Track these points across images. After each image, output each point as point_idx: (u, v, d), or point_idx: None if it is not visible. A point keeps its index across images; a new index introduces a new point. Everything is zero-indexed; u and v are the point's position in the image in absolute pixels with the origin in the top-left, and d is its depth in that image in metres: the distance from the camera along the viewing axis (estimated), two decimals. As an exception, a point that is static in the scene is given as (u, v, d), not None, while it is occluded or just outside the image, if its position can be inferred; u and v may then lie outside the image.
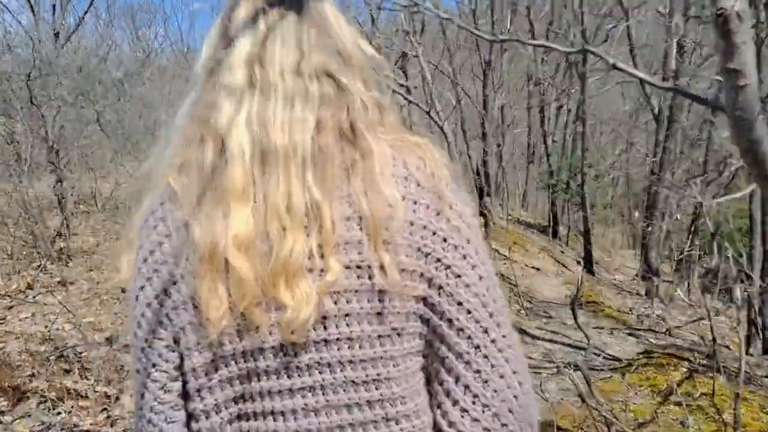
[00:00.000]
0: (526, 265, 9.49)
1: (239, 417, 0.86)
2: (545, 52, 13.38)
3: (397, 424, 0.85)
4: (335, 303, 0.82)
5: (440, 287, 0.85)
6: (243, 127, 0.83)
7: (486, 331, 0.86)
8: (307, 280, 0.80)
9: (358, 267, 0.82)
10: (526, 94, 14.76)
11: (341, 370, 0.83)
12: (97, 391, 3.36)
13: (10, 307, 4.86)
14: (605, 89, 15.44)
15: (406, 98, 7.57)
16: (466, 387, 0.86)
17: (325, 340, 0.82)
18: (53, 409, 3.23)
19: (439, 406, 0.88)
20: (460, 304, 0.85)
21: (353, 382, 0.83)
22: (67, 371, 3.68)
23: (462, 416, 0.86)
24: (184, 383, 0.86)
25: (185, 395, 0.87)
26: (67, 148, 6.06)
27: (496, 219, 10.80)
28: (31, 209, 5.56)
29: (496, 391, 0.86)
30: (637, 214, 9.48)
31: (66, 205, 5.88)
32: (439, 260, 0.85)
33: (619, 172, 14.55)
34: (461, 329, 0.85)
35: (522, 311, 6.95)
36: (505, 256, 8.10)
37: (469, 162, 11.88)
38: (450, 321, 0.85)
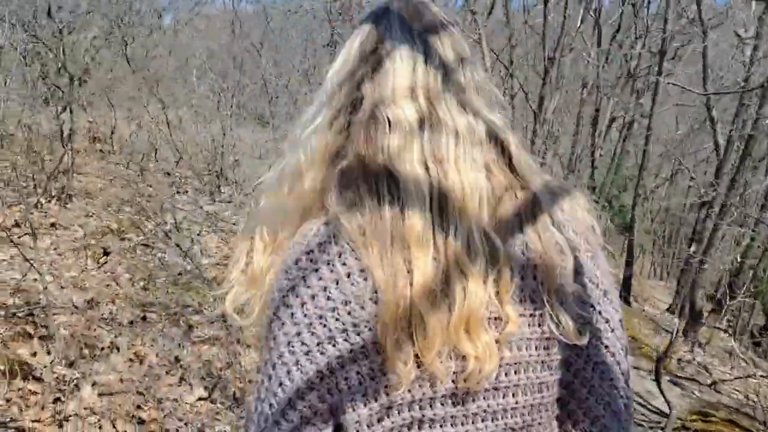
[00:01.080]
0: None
1: None
2: (607, 60, 12.48)
3: None
4: (510, 351, 0.82)
5: (596, 335, 0.86)
6: (418, 165, 0.80)
7: (624, 373, 0.89)
8: (487, 329, 0.80)
9: (531, 315, 0.82)
10: (579, 102, 13.85)
11: (502, 417, 0.84)
12: (55, 373, 2.71)
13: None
14: (662, 110, 14.55)
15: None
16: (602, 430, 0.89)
17: (495, 388, 0.82)
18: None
19: None
20: (607, 347, 0.87)
21: (512, 429, 0.84)
22: (29, 337, 3.04)
23: None
24: None
25: None
26: (80, 78, 5.41)
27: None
28: (36, 138, 4.91)
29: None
30: (693, 248, 8.68)
31: (73, 138, 5.22)
32: (594, 308, 0.86)
33: (673, 200, 13.63)
34: (603, 372, 0.87)
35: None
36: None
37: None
38: (596, 364, 0.87)
